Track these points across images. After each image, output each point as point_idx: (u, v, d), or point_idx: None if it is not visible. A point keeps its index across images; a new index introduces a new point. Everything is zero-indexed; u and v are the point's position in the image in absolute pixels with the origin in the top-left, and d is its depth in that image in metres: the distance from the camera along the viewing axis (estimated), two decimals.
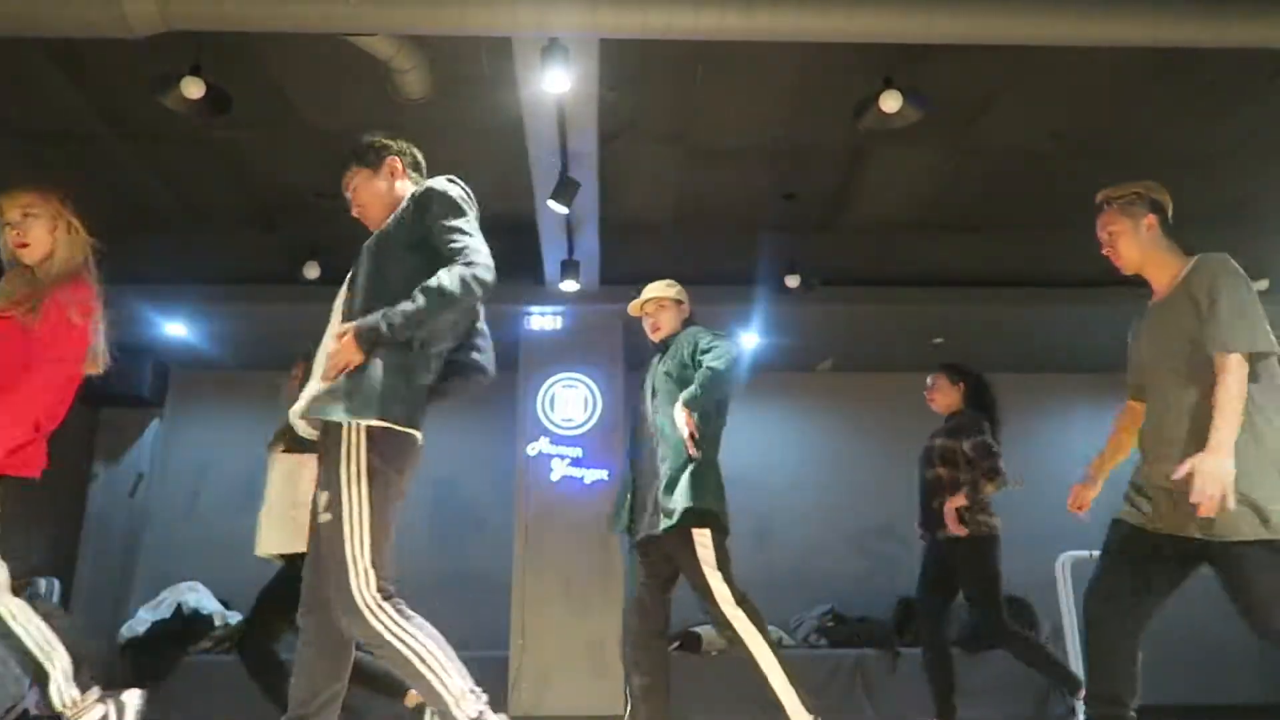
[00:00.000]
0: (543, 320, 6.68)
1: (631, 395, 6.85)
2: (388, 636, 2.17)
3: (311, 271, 6.01)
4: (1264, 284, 6.19)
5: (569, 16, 3.55)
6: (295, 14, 3.53)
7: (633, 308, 3.85)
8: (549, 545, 6.31)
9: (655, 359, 3.75)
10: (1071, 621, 5.57)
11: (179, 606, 6.25)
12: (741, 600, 3.27)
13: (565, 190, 4.81)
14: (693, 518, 3.30)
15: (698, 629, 5.93)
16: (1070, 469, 7.29)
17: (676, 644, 5.91)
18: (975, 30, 3.67)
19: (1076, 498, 2.99)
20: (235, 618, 6.31)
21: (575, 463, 6.39)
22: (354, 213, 2.64)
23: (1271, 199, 5.59)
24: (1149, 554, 2.52)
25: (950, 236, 6.19)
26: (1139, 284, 7.20)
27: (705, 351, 3.50)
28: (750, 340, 6.95)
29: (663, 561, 3.48)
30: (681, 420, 3.36)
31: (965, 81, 4.61)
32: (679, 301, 3.79)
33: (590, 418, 6.54)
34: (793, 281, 6.19)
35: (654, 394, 3.61)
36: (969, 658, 5.94)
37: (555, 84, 3.99)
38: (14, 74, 4.44)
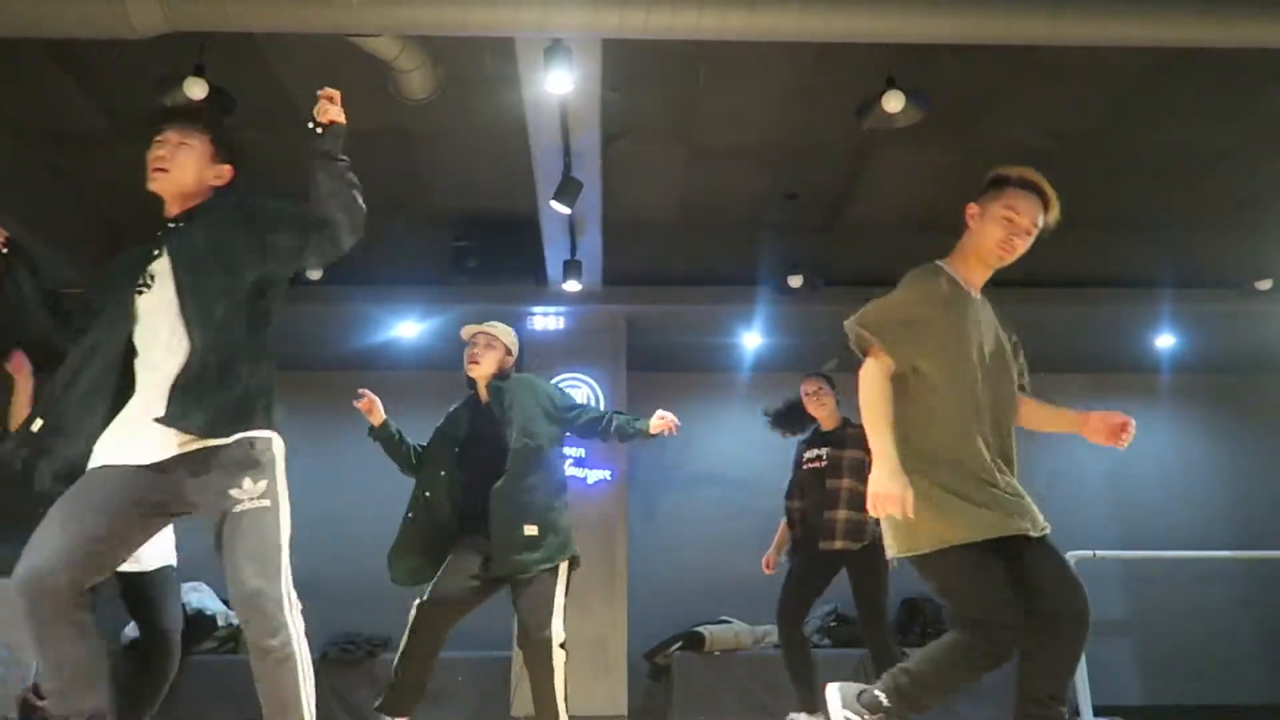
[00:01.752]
0: (545, 320, 6.68)
1: (635, 395, 6.88)
2: None
3: (314, 272, 6.01)
4: (1267, 284, 6.19)
5: (571, 16, 3.55)
6: (298, 15, 3.53)
7: (467, 331, 3.69)
8: None
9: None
10: None
11: (182, 607, 6.24)
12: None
13: (568, 190, 4.82)
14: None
15: (701, 629, 5.92)
16: (1072, 469, 7.38)
17: (679, 644, 5.91)
18: (975, 30, 3.68)
19: None
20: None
21: (578, 463, 6.38)
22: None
23: (1272, 199, 5.59)
24: None
25: (951, 236, 6.17)
26: (1138, 284, 7.12)
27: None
28: (753, 340, 6.96)
29: None
30: None
31: (966, 81, 4.62)
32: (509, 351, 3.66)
33: None
34: (795, 281, 6.20)
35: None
36: None
37: (558, 84, 3.99)
38: (17, 74, 4.45)
